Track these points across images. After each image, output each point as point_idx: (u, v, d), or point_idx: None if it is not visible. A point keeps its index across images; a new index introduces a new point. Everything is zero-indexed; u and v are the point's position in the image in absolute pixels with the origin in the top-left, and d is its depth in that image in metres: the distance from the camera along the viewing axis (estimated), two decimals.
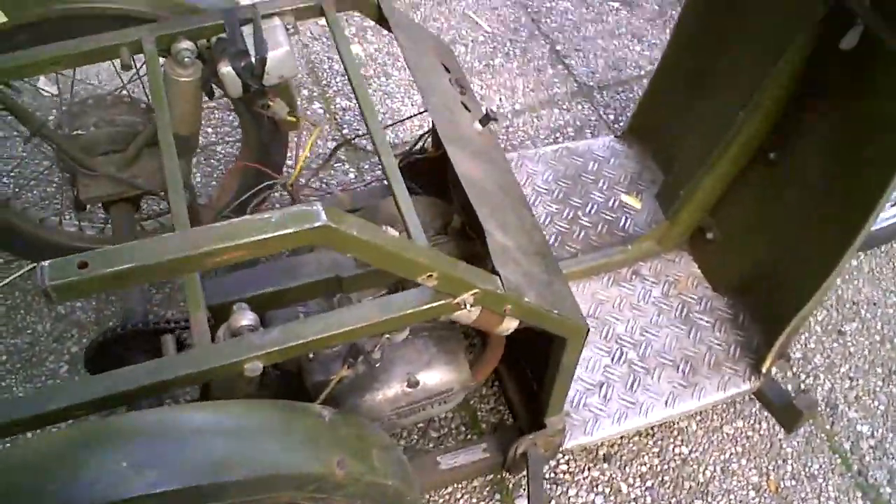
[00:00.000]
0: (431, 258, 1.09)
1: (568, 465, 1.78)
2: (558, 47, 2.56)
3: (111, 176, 1.62)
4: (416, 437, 1.78)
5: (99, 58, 1.44)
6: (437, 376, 1.48)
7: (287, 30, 1.53)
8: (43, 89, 2.20)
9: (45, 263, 0.86)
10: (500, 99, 2.42)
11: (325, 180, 2.15)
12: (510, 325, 1.31)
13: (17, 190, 2.01)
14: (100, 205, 1.67)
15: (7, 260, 1.96)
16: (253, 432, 1.04)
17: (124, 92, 1.70)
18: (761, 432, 1.85)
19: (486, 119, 1.54)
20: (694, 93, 1.91)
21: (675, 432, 1.84)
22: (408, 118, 2.22)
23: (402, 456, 1.27)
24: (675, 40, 1.92)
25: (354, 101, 2.02)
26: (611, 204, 2.01)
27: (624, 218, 1.99)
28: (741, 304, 1.85)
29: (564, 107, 2.40)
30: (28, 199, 2.02)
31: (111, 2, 1.48)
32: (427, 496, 1.70)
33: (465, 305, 1.17)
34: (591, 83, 2.46)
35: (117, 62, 1.41)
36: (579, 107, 2.40)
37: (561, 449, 1.64)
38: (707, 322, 1.82)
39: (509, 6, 2.67)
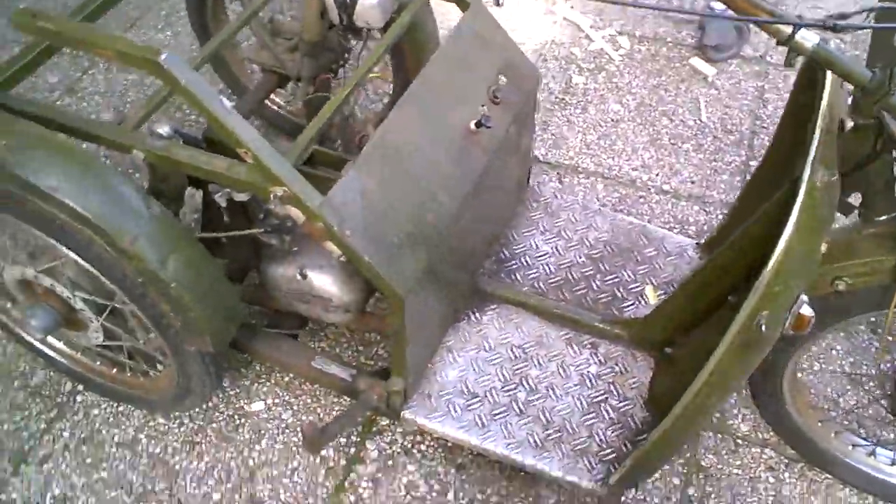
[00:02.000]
0: (250, 139, 1.41)
1: (426, 450, 1.94)
2: (752, 162, 2.50)
3: (272, 51, 2.18)
4: (344, 344, 2.09)
5: None
6: (323, 282, 1.77)
7: None
8: None
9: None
10: (658, 174, 2.48)
11: None
12: (333, 249, 1.56)
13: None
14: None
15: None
16: (102, 188, 1.49)
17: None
18: None
19: (479, 124, 1.76)
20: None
21: (532, 494, 1.87)
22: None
23: (218, 285, 1.61)
24: (756, 171, 1.87)
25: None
26: (632, 287, 2.03)
27: (632, 303, 2.00)
28: (655, 426, 1.78)
29: (709, 210, 2.38)
30: None
31: None
32: (293, 378, 2.06)
33: (274, 198, 1.47)
34: None
35: None
36: (722, 216, 2.36)
37: (401, 418, 1.81)
38: (611, 418, 1.81)
39: (743, 112, 2.65)
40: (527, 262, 2.09)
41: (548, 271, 2.07)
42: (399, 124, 1.65)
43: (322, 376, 1.89)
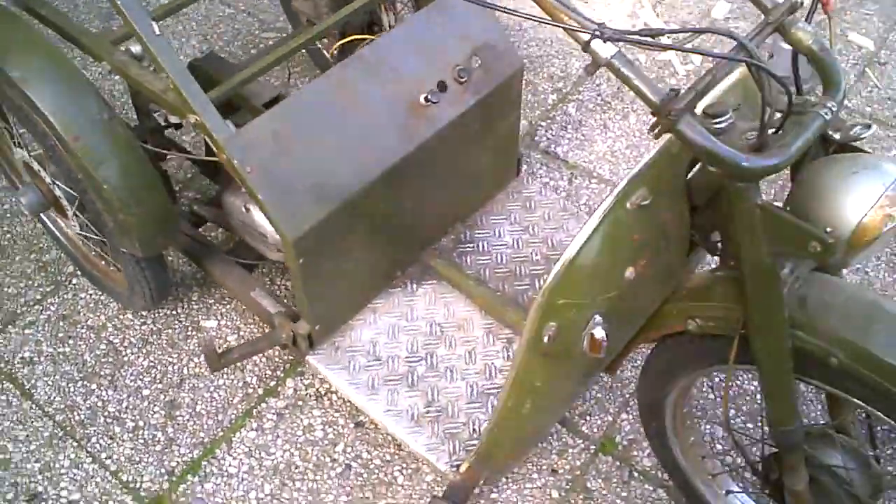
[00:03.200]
0: (172, 65, 1.53)
1: (337, 400, 2.02)
2: None
3: (315, 2, 2.31)
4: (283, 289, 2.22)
5: None
6: (261, 218, 1.87)
7: None
8: None
9: None
10: None
11: None
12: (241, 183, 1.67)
13: None
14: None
15: None
16: (64, 87, 1.69)
17: None
18: None
19: (427, 99, 1.80)
20: None
21: (412, 468, 1.90)
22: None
23: (154, 197, 1.77)
24: None
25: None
26: None
27: None
28: None
29: None
30: None
31: None
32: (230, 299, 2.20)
33: (187, 124, 1.60)
34: None
35: None
36: None
37: (305, 361, 1.90)
38: None
39: None
40: (483, 247, 2.10)
41: (498, 261, 2.07)
42: (337, 80, 1.73)
43: (256, 306, 2.01)
